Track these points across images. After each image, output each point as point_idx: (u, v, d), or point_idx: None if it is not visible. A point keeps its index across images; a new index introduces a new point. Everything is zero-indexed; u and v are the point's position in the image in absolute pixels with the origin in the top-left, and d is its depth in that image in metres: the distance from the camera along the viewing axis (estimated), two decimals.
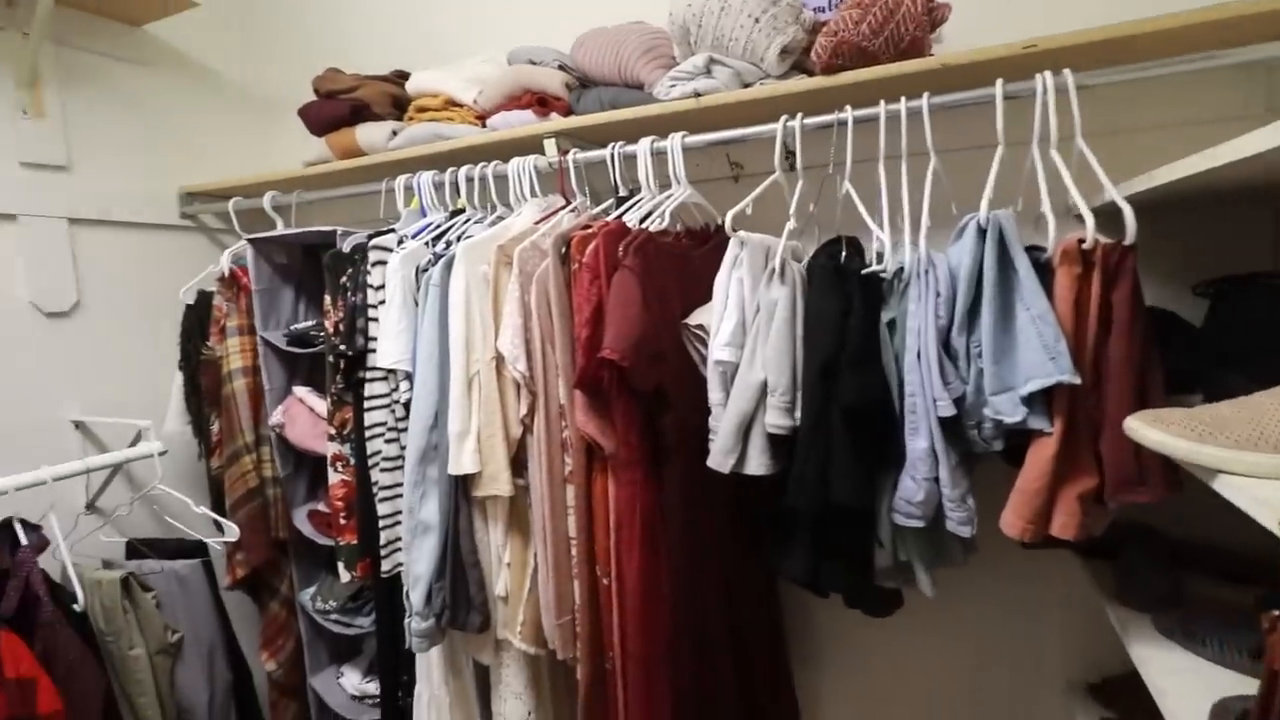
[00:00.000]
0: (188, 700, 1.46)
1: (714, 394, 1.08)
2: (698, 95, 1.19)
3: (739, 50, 1.17)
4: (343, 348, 1.25)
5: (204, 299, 1.67)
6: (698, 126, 1.22)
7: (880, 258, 1.06)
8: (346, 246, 1.33)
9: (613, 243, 1.07)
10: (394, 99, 1.56)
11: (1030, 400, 0.86)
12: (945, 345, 0.93)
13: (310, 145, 1.70)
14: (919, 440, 0.96)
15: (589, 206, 1.33)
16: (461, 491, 1.19)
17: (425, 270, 1.24)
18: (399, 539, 1.29)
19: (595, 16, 1.41)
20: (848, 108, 1.08)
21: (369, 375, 1.27)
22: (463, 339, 1.15)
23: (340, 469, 1.39)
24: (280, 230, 1.57)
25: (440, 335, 1.18)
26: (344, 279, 1.29)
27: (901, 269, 0.98)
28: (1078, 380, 0.84)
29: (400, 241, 1.30)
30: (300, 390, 1.55)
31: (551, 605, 1.15)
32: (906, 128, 1.04)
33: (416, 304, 1.25)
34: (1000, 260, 0.88)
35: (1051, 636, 1.38)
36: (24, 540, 1.25)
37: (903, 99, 1.05)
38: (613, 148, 1.24)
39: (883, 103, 1.06)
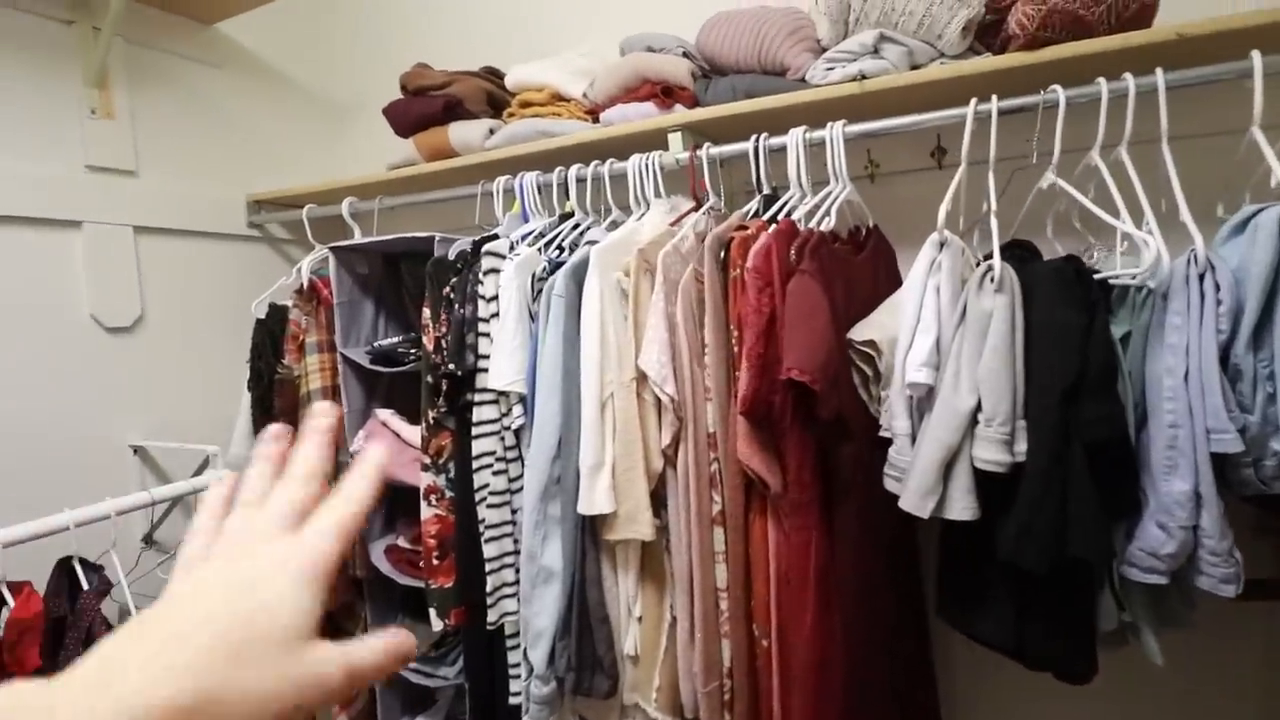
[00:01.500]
0: None
1: (899, 421, 0.91)
2: (863, 77, 1.04)
3: (912, 26, 1.02)
4: (450, 367, 1.10)
5: (275, 313, 1.53)
6: (851, 115, 1.07)
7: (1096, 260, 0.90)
8: (451, 253, 1.19)
9: (785, 243, 0.92)
10: (489, 96, 1.43)
11: None
12: (1222, 365, 0.76)
13: (387, 150, 1.56)
14: (1177, 481, 0.79)
15: (721, 208, 1.18)
16: (588, 533, 1.03)
17: (543, 278, 1.10)
18: (506, 585, 1.13)
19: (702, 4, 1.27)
20: (1056, 87, 0.92)
21: (477, 398, 1.12)
22: (596, 357, 1.00)
23: (434, 502, 1.23)
24: (366, 238, 1.43)
25: (566, 351, 1.03)
26: (448, 289, 1.15)
27: (1147, 274, 0.82)
28: None
29: (512, 247, 1.15)
30: (383, 413, 1.40)
31: (698, 669, 0.98)
32: (1134, 109, 0.89)
33: (532, 317, 1.11)
34: None
35: (1251, 700, 1.19)
36: (85, 584, 1.11)
37: (1129, 76, 0.89)
38: (756, 140, 1.09)
39: (1103, 80, 0.90)
